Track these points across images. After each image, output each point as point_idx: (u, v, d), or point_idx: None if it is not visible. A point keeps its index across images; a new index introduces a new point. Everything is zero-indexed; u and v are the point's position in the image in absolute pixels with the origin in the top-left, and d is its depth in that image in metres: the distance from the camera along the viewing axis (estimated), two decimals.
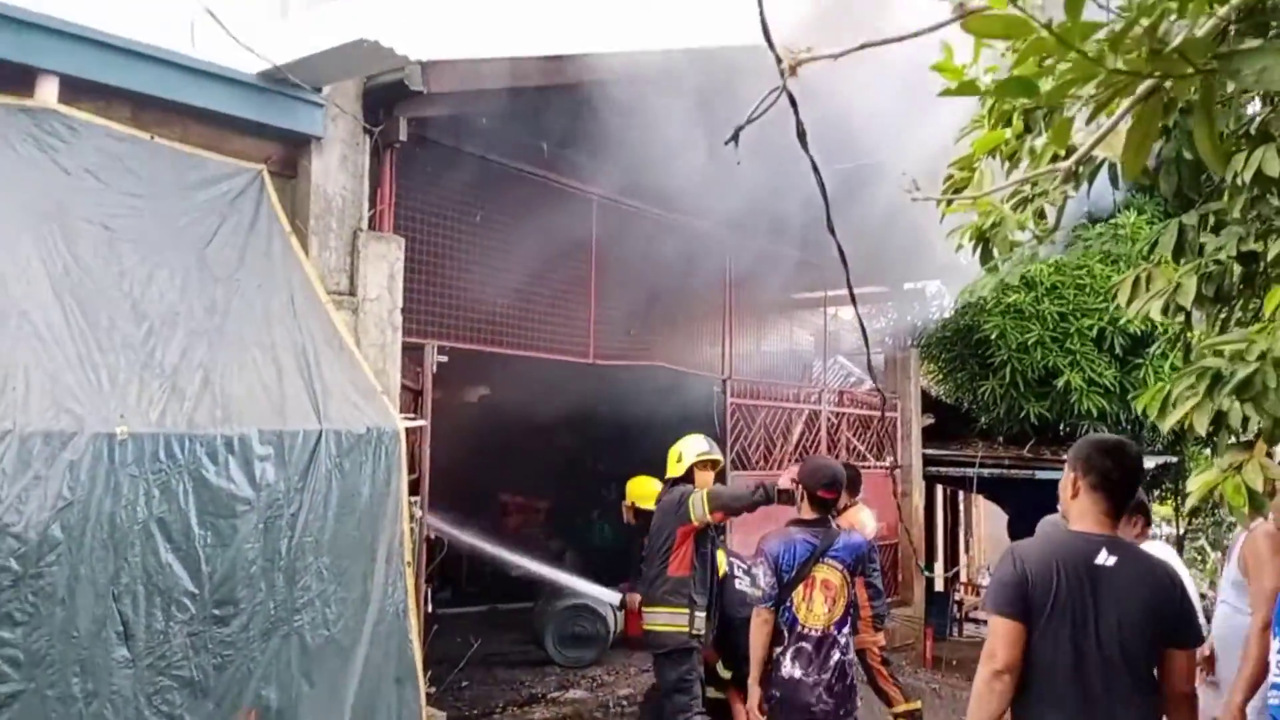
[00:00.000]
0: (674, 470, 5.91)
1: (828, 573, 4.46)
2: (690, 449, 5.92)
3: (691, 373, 8.48)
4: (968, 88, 1.68)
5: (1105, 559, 2.69)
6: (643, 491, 6.54)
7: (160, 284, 3.89)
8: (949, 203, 3.29)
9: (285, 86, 4.55)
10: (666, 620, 5.44)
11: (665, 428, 9.40)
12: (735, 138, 2.55)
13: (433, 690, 5.04)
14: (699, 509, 5.51)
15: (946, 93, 1.70)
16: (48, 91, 3.88)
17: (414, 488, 5.08)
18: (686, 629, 5.41)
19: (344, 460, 4.11)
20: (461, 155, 5.95)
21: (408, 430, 4.60)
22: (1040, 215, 3.20)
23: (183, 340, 3.83)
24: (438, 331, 5.93)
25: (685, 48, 5.63)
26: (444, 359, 5.84)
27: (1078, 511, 2.82)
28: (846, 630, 4.51)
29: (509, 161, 6.33)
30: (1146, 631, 2.66)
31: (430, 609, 5.58)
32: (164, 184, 4.14)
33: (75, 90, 3.99)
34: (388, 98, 4.99)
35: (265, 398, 3.97)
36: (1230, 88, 1.72)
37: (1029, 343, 10.30)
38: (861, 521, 6.22)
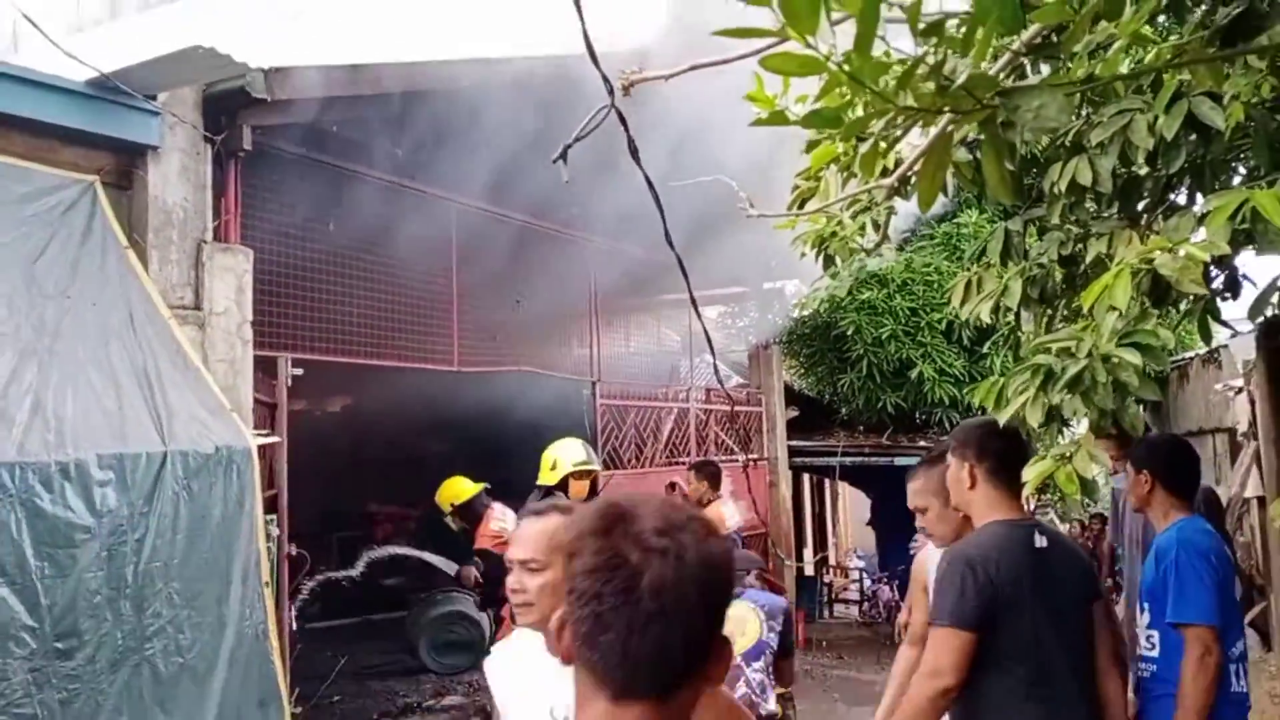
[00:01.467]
0: (547, 477, 5.82)
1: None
2: (566, 456, 5.84)
3: (560, 376, 8.51)
4: (777, 118, 1.77)
5: (1040, 542, 2.69)
6: (453, 492, 6.62)
7: None
8: (786, 221, 3.44)
9: (117, 94, 4.36)
10: None
11: (537, 431, 9.42)
12: (564, 155, 2.60)
13: (298, 711, 4.92)
14: None
15: (758, 122, 1.78)
16: None
17: (271, 505, 4.95)
18: None
19: (192, 481, 3.97)
20: (312, 163, 5.82)
21: (262, 446, 4.48)
22: (874, 226, 3.38)
23: (10, 361, 3.64)
24: (292, 343, 5.78)
25: (533, 55, 5.66)
26: (299, 371, 5.70)
27: (985, 502, 2.73)
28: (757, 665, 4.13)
29: (363, 169, 6.22)
30: (1081, 603, 2.73)
31: (295, 625, 5.43)
32: None
33: None
34: (229, 105, 4.84)
35: (104, 420, 3.80)
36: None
37: (883, 337, 10.76)
38: (723, 515, 6.37)
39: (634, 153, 2.92)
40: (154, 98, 4.52)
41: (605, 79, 2.60)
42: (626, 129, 2.58)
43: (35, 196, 4.13)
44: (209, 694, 3.93)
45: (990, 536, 2.68)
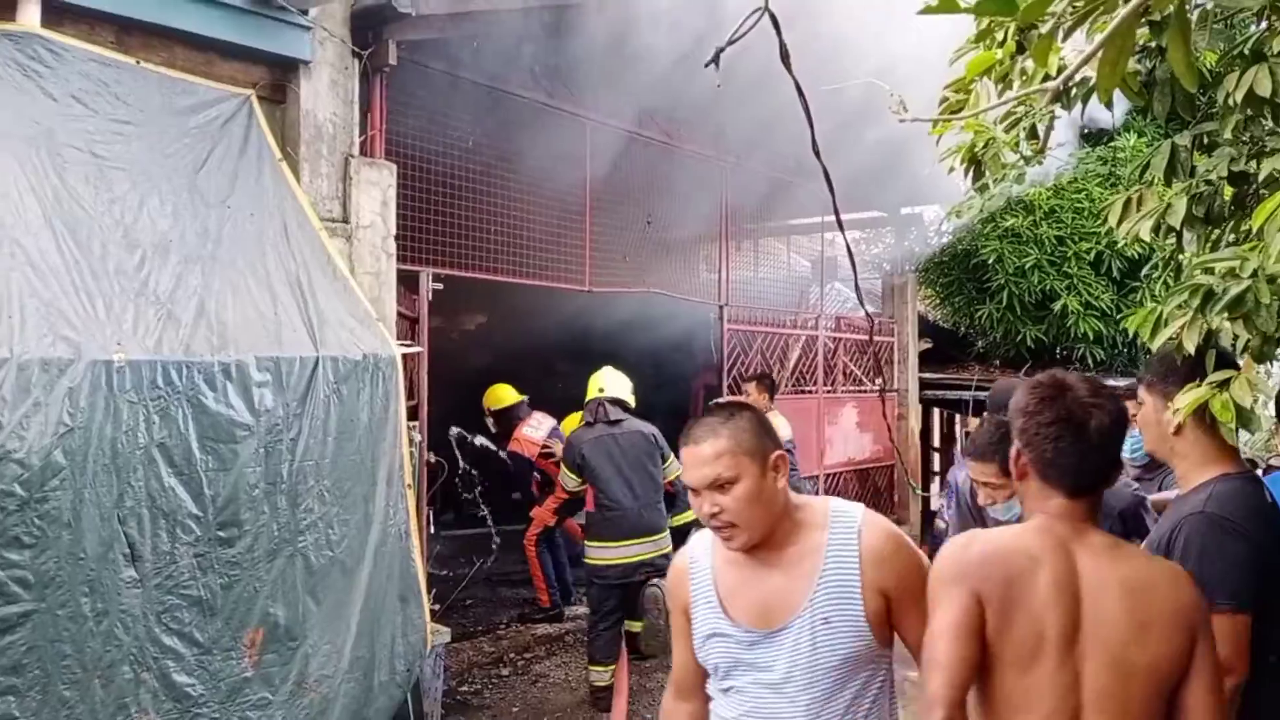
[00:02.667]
0: (595, 393, 6.27)
1: None
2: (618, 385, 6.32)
3: (688, 300, 8.49)
4: (947, 5, 1.67)
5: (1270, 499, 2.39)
6: (495, 397, 7.81)
7: (151, 211, 3.89)
8: (939, 124, 3.28)
9: (272, 9, 4.48)
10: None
11: (663, 353, 9.48)
12: (716, 60, 2.53)
13: (436, 608, 5.17)
14: (672, 474, 6.01)
15: (926, 10, 1.69)
16: (30, 15, 3.82)
17: (412, 413, 5.14)
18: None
19: (341, 386, 4.15)
20: (454, 79, 5.88)
21: (405, 356, 4.63)
22: (1031, 134, 3.19)
23: (176, 267, 3.84)
24: (433, 259, 5.93)
25: None
26: (439, 286, 5.85)
27: (1201, 450, 2.36)
28: None
29: (503, 86, 6.25)
30: None
31: (433, 530, 5.67)
32: (152, 110, 4.10)
33: (58, 14, 3.93)
34: (376, 20, 4.91)
35: (261, 325, 3.99)
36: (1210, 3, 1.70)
37: (1026, 266, 10.29)
38: (777, 425, 6.43)
39: (785, 57, 2.82)
40: (306, 13, 4.62)
41: None
42: (779, 31, 2.49)
43: (197, 109, 4.30)
44: (355, 586, 4.15)
45: (1235, 494, 2.25)
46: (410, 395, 5.20)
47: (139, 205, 3.85)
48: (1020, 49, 2.87)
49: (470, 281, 6.52)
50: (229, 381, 3.73)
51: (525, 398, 7.83)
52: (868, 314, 5.14)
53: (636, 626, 6.38)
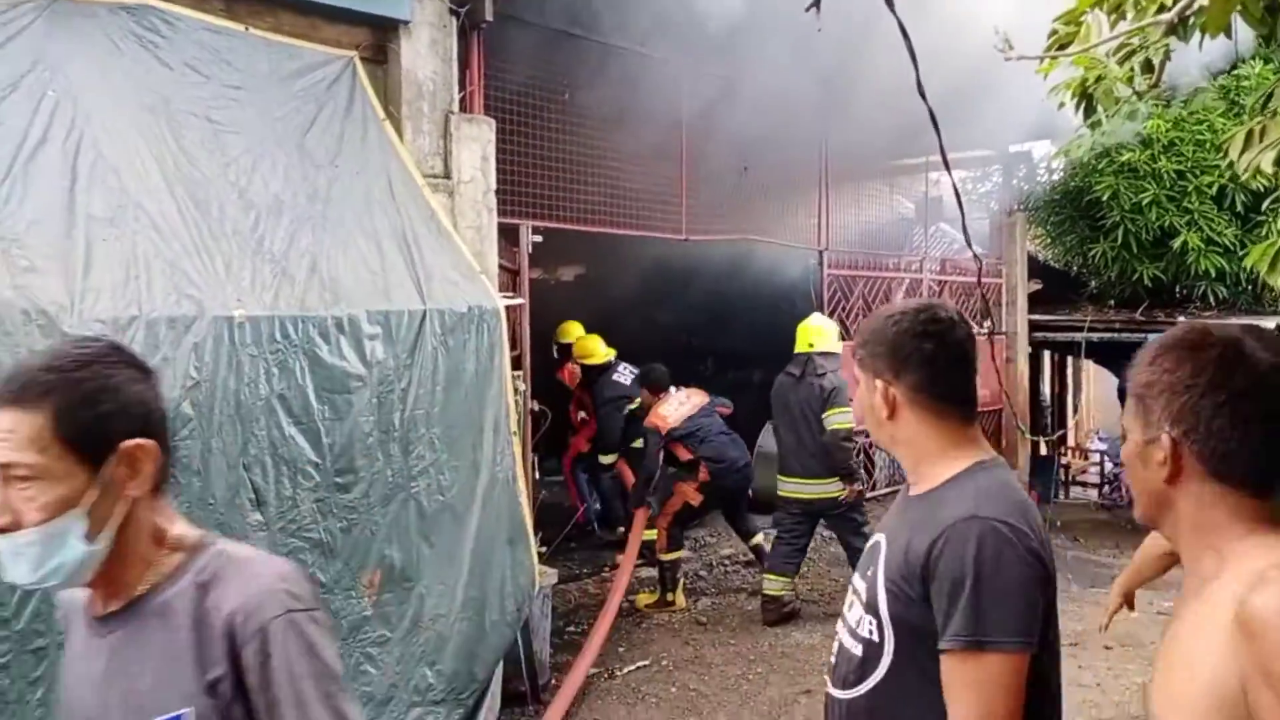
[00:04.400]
0: (804, 347, 6.49)
1: None
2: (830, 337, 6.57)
3: (787, 245, 8.40)
4: None
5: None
6: (584, 349, 8.03)
7: (264, 173, 4.05)
8: (1048, 61, 3.16)
9: None
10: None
11: (762, 301, 9.42)
12: (816, 3, 2.49)
13: (543, 550, 5.33)
14: (840, 426, 6.23)
15: None
16: None
17: (516, 363, 5.26)
18: None
19: (448, 338, 4.28)
20: (548, 32, 5.90)
21: (507, 308, 4.74)
22: (1146, 68, 3.05)
23: (289, 227, 4.00)
24: (532, 211, 6.01)
25: None
26: (539, 239, 5.94)
27: (940, 438, 1.80)
28: None
29: (597, 37, 6.24)
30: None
31: (537, 476, 5.85)
32: (261, 75, 4.26)
33: None
34: None
35: (370, 280, 4.13)
36: None
37: (1143, 203, 9.83)
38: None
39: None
40: None
41: None
42: None
43: (303, 72, 4.44)
44: (466, 530, 4.31)
45: (1002, 491, 1.72)
46: (513, 345, 5.32)
47: (252, 167, 4.01)
48: None
49: (568, 233, 6.60)
50: (342, 335, 3.89)
51: (614, 354, 8.05)
52: (975, 255, 5.02)
53: (774, 589, 6.40)
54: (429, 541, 4.14)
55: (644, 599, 6.78)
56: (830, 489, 6.28)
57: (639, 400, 7.30)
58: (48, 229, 3.27)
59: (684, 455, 6.65)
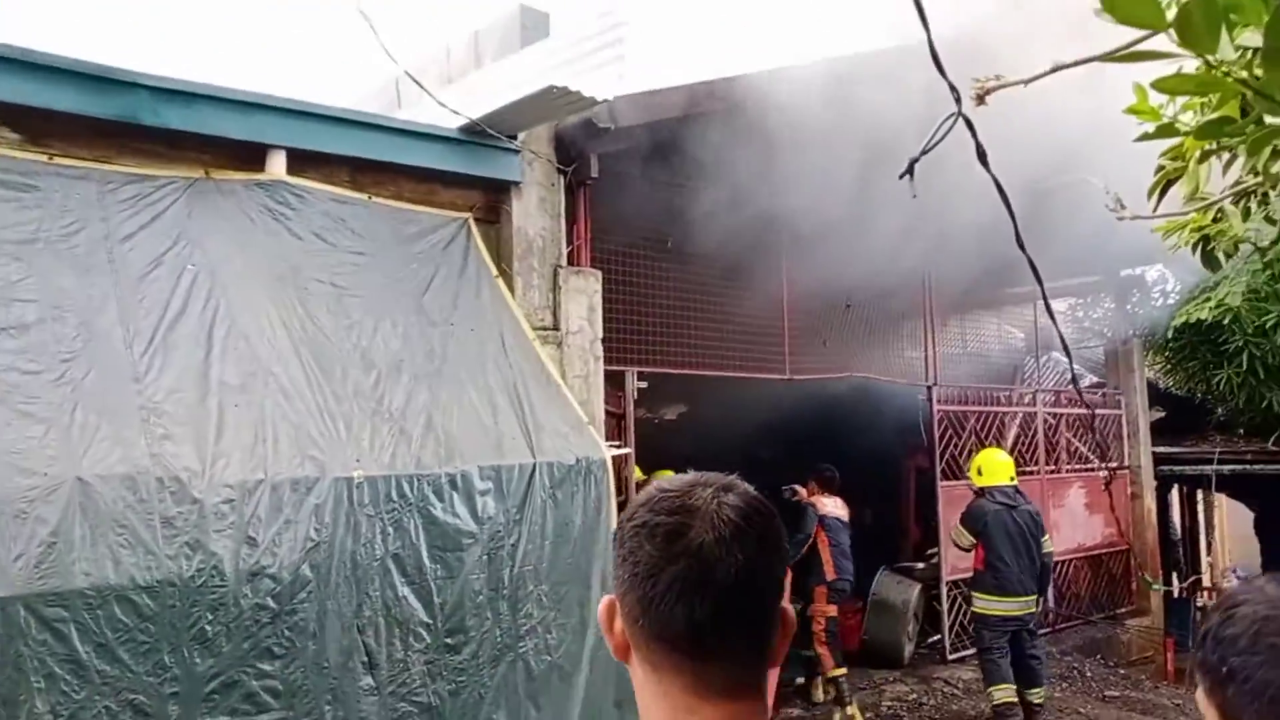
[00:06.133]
0: (1008, 479, 7.24)
1: None
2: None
3: (893, 381, 8.26)
4: (1166, 130, 1.58)
5: None
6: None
7: (385, 334, 4.19)
8: (1165, 223, 3.08)
9: (484, 138, 4.80)
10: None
11: (869, 439, 9.22)
12: (910, 170, 2.48)
13: None
14: (1051, 549, 7.23)
15: (1144, 137, 1.60)
16: (277, 164, 4.27)
17: (622, 510, 5.21)
18: None
19: (557, 491, 4.28)
20: (650, 185, 6.07)
21: (615, 457, 4.73)
22: (1269, 221, 2.94)
23: (407, 385, 4.11)
24: (637, 358, 6.07)
25: (855, 53, 5.56)
26: (644, 385, 5.97)
27: (669, 705, 1.09)
28: None
29: (697, 185, 6.39)
30: None
31: None
32: (383, 240, 4.46)
33: (301, 160, 4.37)
34: (577, 137, 5.17)
35: (483, 435, 4.19)
36: None
37: (1269, 325, 9.40)
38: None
39: (982, 158, 2.74)
40: (514, 137, 4.92)
41: (953, 87, 2.47)
42: (975, 136, 2.42)
43: (421, 235, 4.65)
44: (574, 692, 4.20)
45: None
46: (620, 491, 5.29)
47: (373, 329, 4.17)
48: (1244, 112, 2.67)
49: (673, 375, 6.62)
50: (455, 491, 3.93)
51: None
52: (1079, 390, 4.86)
53: (1038, 697, 7.04)
54: (536, 704, 4.05)
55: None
56: (1035, 606, 7.08)
57: None
58: (184, 397, 3.42)
59: (823, 541, 7.41)
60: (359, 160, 4.55)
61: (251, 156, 4.24)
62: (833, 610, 7.33)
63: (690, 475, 1.10)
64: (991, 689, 7.06)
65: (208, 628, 3.18)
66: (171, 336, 3.55)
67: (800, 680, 7.64)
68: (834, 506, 7.64)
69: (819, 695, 7.49)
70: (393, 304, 4.31)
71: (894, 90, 4.83)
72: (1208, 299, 9.56)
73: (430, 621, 3.77)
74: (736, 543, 1.01)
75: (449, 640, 3.82)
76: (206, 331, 3.64)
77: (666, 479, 1.10)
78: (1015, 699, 6.93)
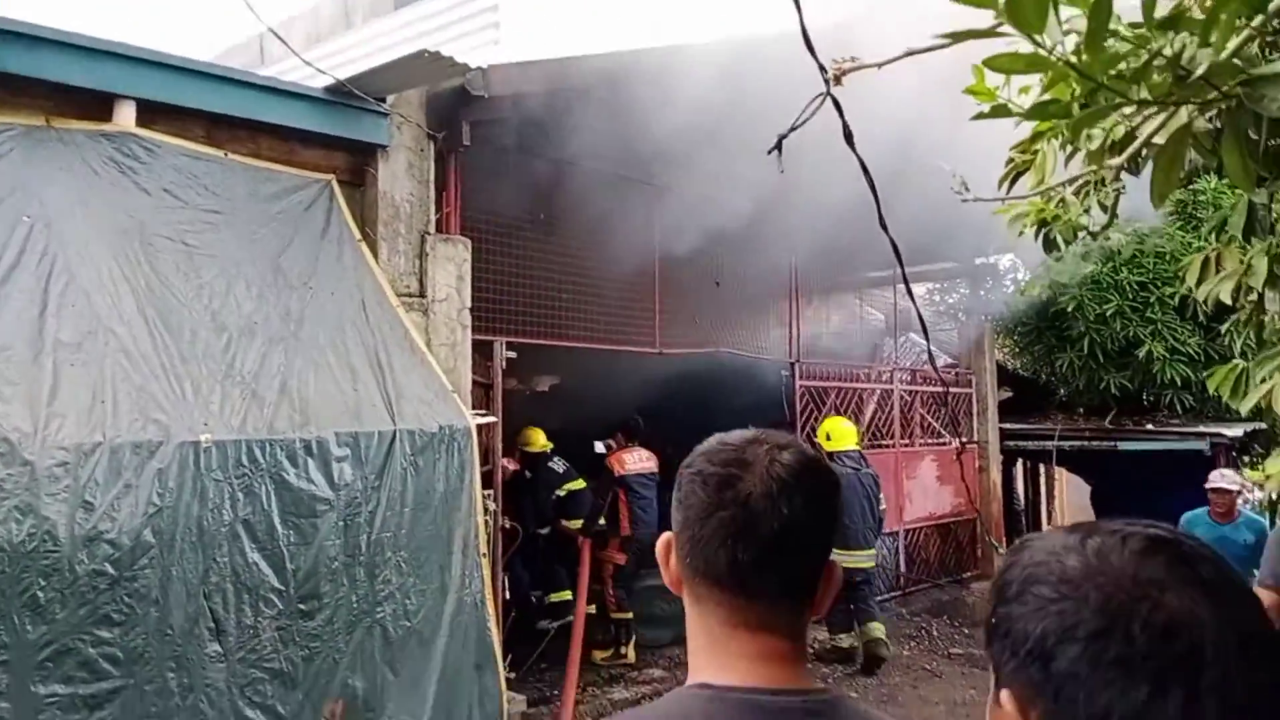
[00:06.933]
0: (855, 443, 7.95)
1: None
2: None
3: (758, 357, 8.48)
4: (1000, 111, 1.69)
5: None
6: (528, 438, 8.38)
7: (238, 295, 4.08)
8: (1004, 201, 3.26)
9: (351, 99, 4.70)
10: None
11: (734, 411, 9.44)
12: (779, 146, 2.58)
13: (512, 675, 5.20)
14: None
15: (979, 116, 1.71)
16: (126, 115, 4.08)
17: (487, 480, 5.22)
18: None
19: (418, 458, 4.26)
20: (523, 155, 6.05)
21: (480, 426, 4.73)
22: (1101, 207, 3.16)
23: (261, 348, 4.01)
24: (506, 328, 6.06)
25: (732, 38, 5.67)
26: (513, 354, 5.97)
27: (712, 639, 1.15)
28: None
29: (570, 159, 6.40)
30: None
31: (508, 595, 5.76)
32: (239, 199, 4.33)
33: (151, 113, 4.19)
34: (449, 104, 5.11)
35: (341, 401, 4.13)
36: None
37: (1108, 313, 10.06)
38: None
39: (849, 139, 2.86)
40: (383, 100, 4.83)
41: (822, 67, 2.56)
42: (842, 116, 2.53)
43: (281, 195, 4.52)
44: (432, 656, 4.21)
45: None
46: (485, 461, 5.30)
47: (226, 290, 4.05)
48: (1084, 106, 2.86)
49: (543, 347, 6.64)
50: (310, 457, 3.87)
51: (551, 446, 8.45)
52: (935, 370, 5.11)
53: (880, 631, 7.54)
54: (393, 669, 4.04)
55: (599, 654, 7.61)
56: (874, 560, 7.82)
57: (567, 489, 8.14)
58: (15, 355, 3.26)
59: (622, 500, 7.66)
60: (215, 115, 4.38)
61: (98, 106, 4.04)
62: (622, 559, 7.67)
63: (751, 431, 1.18)
64: (840, 635, 7.74)
65: (40, 594, 3.06)
66: (3, 290, 3.37)
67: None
68: (636, 461, 7.85)
69: (631, 654, 7.71)
70: (248, 265, 4.19)
71: (767, 73, 4.94)
72: (1038, 278, 10.17)
73: (282, 588, 3.72)
74: (783, 497, 1.09)
75: (302, 606, 3.77)
76: (42, 286, 3.47)
77: (728, 434, 1.18)
78: (858, 643, 7.65)
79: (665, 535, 1.20)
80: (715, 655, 1.14)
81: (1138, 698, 0.69)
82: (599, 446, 8.62)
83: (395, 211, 4.99)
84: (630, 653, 7.66)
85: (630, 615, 7.73)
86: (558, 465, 8.40)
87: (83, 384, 3.36)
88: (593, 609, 7.62)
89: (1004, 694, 0.79)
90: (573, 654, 6.55)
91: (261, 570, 3.65)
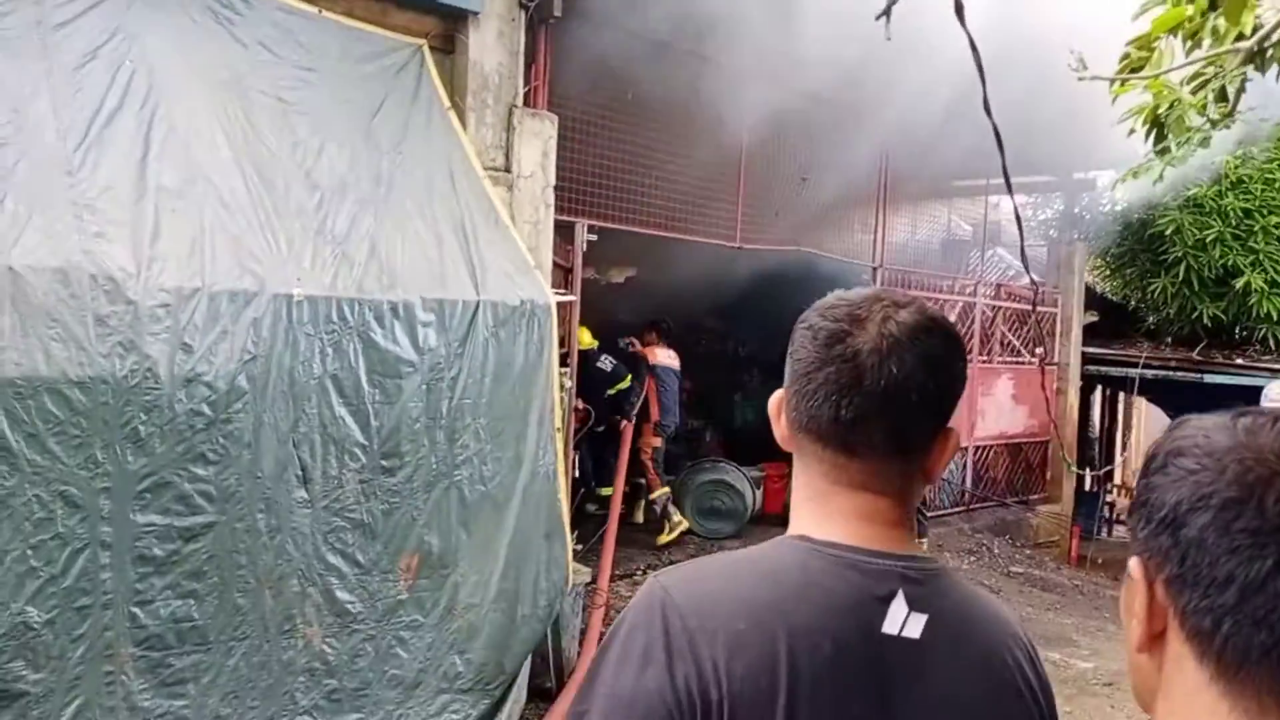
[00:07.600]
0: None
1: None
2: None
3: (840, 259, 8.33)
4: None
5: (902, 620, 1.06)
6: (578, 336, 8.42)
7: (330, 155, 4.09)
8: (1121, 83, 3.09)
9: None
10: None
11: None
12: (887, 11, 2.45)
13: (578, 548, 5.31)
14: None
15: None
16: None
17: (563, 360, 5.26)
18: None
19: (500, 330, 4.29)
20: (616, 32, 5.90)
21: (558, 304, 4.74)
22: (1220, 97, 2.97)
23: (351, 209, 4.03)
24: (588, 210, 6.02)
25: None
26: (594, 238, 5.94)
27: (814, 494, 1.13)
28: None
29: (663, 40, 6.23)
30: None
31: (577, 474, 5.87)
32: (332, 58, 4.30)
33: None
34: None
35: (427, 267, 4.15)
36: None
37: (1208, 240, 9.65)
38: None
39: (959, 9, 2.72)
40: None
41: None
42: None
43: (373, 58, 4.48)
44: (505, 521, 4.31)
45: (756, 578, 1.08)
46: (562, 342, 5.33)
47: (319, 149, 4.06)
48: (1212, 5, 2.66)
49: (622, 235, 6.59)
50: (396, 320, 3.92)
51: (597, 344, 8.47)
52: (1033, 280, 4.94)
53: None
54: (467, 530, 4.15)
55: (661, 538, 7.90)
56: None
57: (618, 389, 8.28)
58: (119, 197, 3.32)
59: (650, 387, 8.25)
60: None
61: None
62: (658, 442, 8.17)
63: (873, 289, 1.14)
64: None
65: (141, 428, 3.18)
66: (107, 133, 3.41)
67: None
68: (665, 357, 8.47)
69: (639, 516, 8.41)
70: (340, 125, 4.19)
71: None
72: (1148, 167, 9.71)
73: (366, 443, 3.81)
74: (894, 356, 1.05)
75: (384, 462, 3.87)
76: (144, 132, 3.50)
77: (849, 290, 1.14)
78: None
79: (777, 392, 1.18)
80: (816, 510, 1.12)
81: (1262, 568, 0.69)
82: (623, 343, 8.80)
83: (484, 81, 4.93)
84: (680, 518, 8.01)
85: (668, 489, 8.14)
86: (605, 364, 8.43)
87: (183, 230, 3.42)
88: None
89: (1133, 561, 0.78)
90: (610, 525, 6.89)
91: (347, 424, 3.74)
